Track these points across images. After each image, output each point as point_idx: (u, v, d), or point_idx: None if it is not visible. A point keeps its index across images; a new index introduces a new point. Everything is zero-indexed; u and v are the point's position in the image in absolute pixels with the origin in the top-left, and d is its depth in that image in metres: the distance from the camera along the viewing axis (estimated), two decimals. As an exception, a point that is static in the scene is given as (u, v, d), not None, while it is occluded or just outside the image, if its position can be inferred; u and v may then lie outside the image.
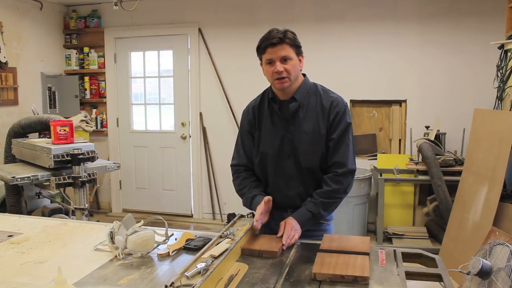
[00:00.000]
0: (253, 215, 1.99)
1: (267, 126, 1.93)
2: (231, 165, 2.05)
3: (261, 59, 1.87)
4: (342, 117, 1.86)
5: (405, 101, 4.66)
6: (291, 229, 1.79)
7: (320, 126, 1.86)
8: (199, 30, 5.12)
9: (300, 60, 1.85)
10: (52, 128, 3.32)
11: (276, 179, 1.92)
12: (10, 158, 3.84)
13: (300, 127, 1.87)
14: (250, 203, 1.91)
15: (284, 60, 1.79)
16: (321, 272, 1.45)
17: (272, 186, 1.95)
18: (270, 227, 1.95)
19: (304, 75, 1.94)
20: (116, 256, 1.65)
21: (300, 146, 1.87)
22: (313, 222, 1.89)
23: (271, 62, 1.80)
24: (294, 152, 1.88)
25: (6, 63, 4.58)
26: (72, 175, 3.23)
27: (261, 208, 1.80)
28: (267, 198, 1.81)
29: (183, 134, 5.35)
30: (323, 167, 1.90)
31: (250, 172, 2.00)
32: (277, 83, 1.82)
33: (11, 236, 1.93)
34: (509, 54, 3.46)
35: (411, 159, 4.31)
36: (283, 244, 1.71)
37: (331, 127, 1.86)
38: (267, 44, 1.78)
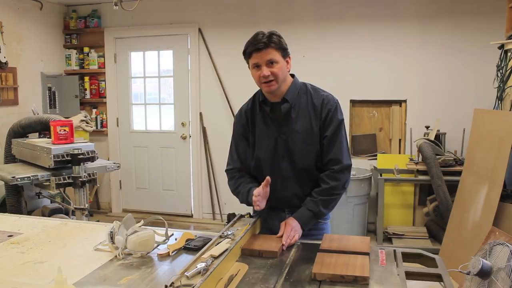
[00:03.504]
0: (250, 215, 1.99)
1: (260, 129, 1.93)
2: (226, 171, 2.05)
3: (248, 63, 1.88)
4: (334, 114, 1.87)
5: (405, 101, 4.65)
6: (291, 229, 1.79)
7: (312, 125, 1.87)
8: (199, 30, 5.12)
9: (287, 62, 1.86)
10: (52, 128, 3.32)
11: (272, 181, 1.91)
12: (10, 158, 3.84)
13: (293, 127, 1.88)
14: (246, 196, 1.90)
15: (270, 63, 1.79)
16: (321, 272, 1.45)
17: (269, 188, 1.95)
18: (269, 228, 1.95)
19: (292, 75, 1.94)
20: (116, 256, 1.65)
21: (294, 146, 1.88)
22: (315, 221, 1.89)
23: (257, 66, 1.81)
24: (288, 152, 1.89)
25: (6, 63, 4.58)
26: (72, 175, 3.23)
27: (258, 190, 1.79)
28: (266, 180, 1.79)
29: (183, 134, 5.35)
30: (318, 166, 1.90)
31: (244, 172, 2.01)
32: (265, 86, 1.83)
33: (11, 236, 1.93)
34: (509, 54, 3.46)
35: (411, 159, 4.31)
36: (282, 245, 1.71)
37: (323, 125, 1.87)
38: (252, 49, 1.79)
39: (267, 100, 1.92)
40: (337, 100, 1.91)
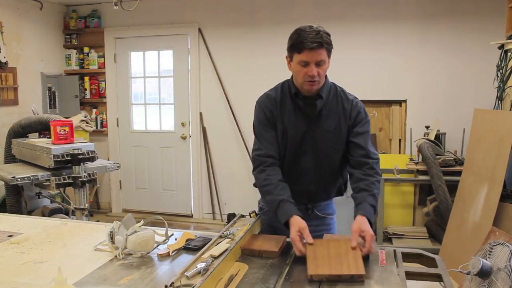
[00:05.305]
0: (256, 214, 1.98)
1: (290, 120, 1.88)
2: (256, 155, 1.88)
3: (291, 56, 1.80)
4: (365, 115, 1.91)
5: (405, 101, 4.65)
6: (371, 238, 1.60)
7: (341, 126, 1.87)
8: (199, 30, 5.12)
9: (328, 61, 1.81)
10: (52, 128, 3.32)
11: (289, 174, 1.89)
12: (10, 158, 3.84)
13: (322, 125, 1.87)
14: (276, 207, 1.77)
15: (319, 64, 1.75)
16: (317, 273, 1.45)
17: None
18: (273, 227, 1.95)
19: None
20: (116, 256, 1.65)
21: (321, 143, 1.87)
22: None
23: (305, 64, 1.75)
24: (314, 149, 1.87)
25: (6, 63, 4.58)
26: (72, 175, 3.24)
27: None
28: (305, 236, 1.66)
29: (183, 134, 5.35)
30: (341, 166, 1.91)
31: (277, 167, 1.87)
32: (308, 84, 1.78)
33: (11, 236, 1.93)
34: (509, 54, 3.46)
35: (411, 159, 4.31)
36: (367, 251, 1.58)
37: (352, 125, 1.88)
38: (305, 46, 1.72)
39: (299, 93, 1.87)
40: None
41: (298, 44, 1.73)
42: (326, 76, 1.90)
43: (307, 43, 1.71)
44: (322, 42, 1.71)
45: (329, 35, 1.76)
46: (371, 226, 1.68)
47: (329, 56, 1.79)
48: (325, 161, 1.88)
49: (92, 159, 3.30)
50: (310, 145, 1.87)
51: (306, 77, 1.76)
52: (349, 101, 1.90)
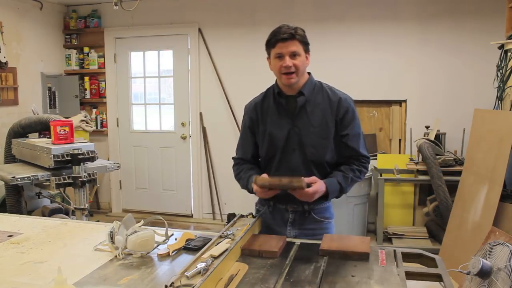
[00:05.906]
0: (253, 216, 1.99)
1: (273, 120, 1.93)
2: (234, 158, 2.10)
3: (269, 54, 1.89)
4: (353, 113, 1.92)
5: (405, 101, 4.65)
6: (316, 182, 1.79)
7: (327, 121, 1.89)
8: (199, 30, 5.12)
9: (307, 58, 1.88)
10: (52, 128, 3.32)
11: (281, 172, 1.91)
12: (10, 158, 3.84)
13: (308, 120, 1.89)
14: (246, 183, 1.94)
15: (293, 55, 1.81)
16: (262, 179, 1.76)
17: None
18: (270, 228, 1.95)
19: (309, 73, 1.96)
20: (116, 256, 1.65)
21: (307, 139, 1.88)
22: (336, 196, 1.91)
23: (280, 57, 1.82)
24: (300, 145, 1.89)
25: (6, 63, 4.58)
26: (72, 175, 3.24)
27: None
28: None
29: (183, 134, 5.35)
30: (329, 162, 1.92)
31: (249, 164, 2.05)
32: (285, 78, 1.84)
33: (11, 236, 1.93)
34: (509, 54, 3.46)
35: (411, 159, 4.31)
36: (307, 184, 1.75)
37: (341, 123, 1.90)
38: (277, 38, 1.81)
39: (282, 93, 1.93)
40: (352, 99, 1.96)
41: (272, 39, 1.84)
42: (310, 74, 1.95)
43: (279, 35, 1.81)
44: (294, 34, 1.80)
45: (304, 31, 1.85)
46: (325, 200, 1.89)
47: (306, 51, 1.86)
48: (312, 156, 1.90)
49: (92, 159, 3.30)
50: (297, 142, 1.90)
51: (282, 69, 1.82)
52: (336, 96, 1.93)
